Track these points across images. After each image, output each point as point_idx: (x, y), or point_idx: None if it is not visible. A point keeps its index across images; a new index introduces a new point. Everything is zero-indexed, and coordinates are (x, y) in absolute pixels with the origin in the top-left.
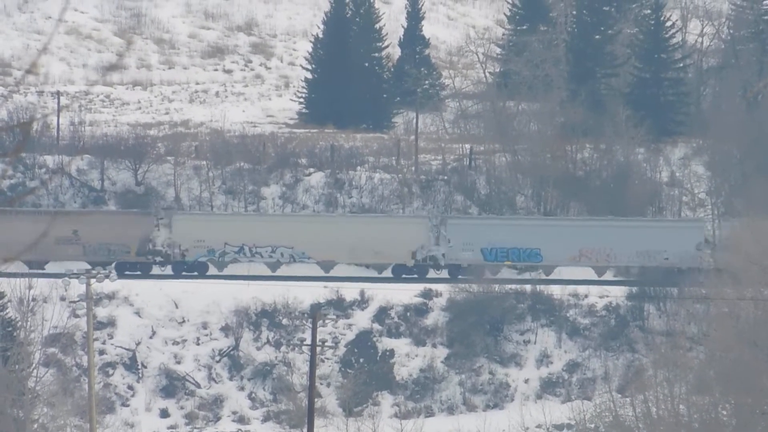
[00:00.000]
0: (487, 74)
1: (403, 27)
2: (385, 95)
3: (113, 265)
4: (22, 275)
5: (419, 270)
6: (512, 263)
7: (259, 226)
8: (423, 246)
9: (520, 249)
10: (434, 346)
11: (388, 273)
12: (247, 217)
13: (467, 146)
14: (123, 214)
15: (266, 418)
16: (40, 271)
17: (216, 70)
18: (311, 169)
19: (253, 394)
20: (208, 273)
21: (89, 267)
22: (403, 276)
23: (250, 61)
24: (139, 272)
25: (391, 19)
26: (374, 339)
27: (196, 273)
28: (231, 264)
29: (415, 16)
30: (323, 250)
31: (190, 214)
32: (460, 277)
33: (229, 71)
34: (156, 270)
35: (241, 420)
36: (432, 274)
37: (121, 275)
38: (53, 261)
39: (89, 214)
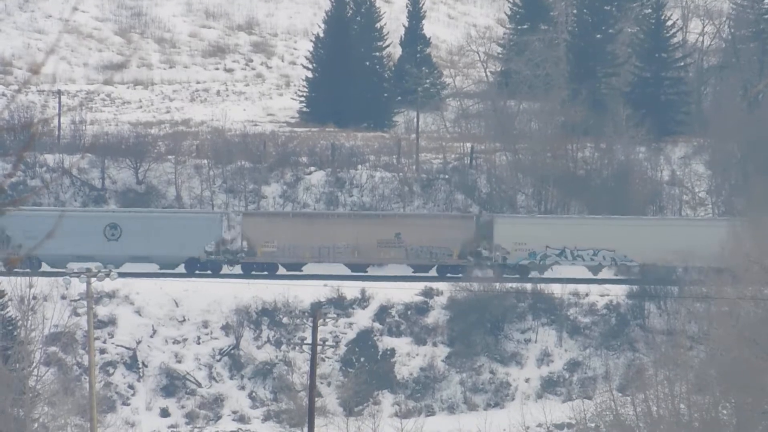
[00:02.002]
0: (488, 73)
1: (404, 26)
2: (385, 94)
3: (435, 267)
4: (23, 274)
5: None
6: None
7: (581, 229)
8: None
9: None
10: (435, 345)
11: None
12: (569, 220)
13: (468, 145)
14: (445, 217)
15: (266, 418)
16: (42, 270)
17: (217, 69)
18: (312, 168)
19: (254, 394)
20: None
21: (412, 270)
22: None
23: (251, 60)
24: (460, 275)
25: (392, 18)
26: (375, 338)
27: (518, 276)
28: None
29: (415, 15)
30: (647, 253)
31: (512, 217)
32: (460, 275)
33: (230, 70)
34: (477, 272)
35: (242, 419)
36: None
37: (442, 277)
38: (376, 264)
39: (412, 216)
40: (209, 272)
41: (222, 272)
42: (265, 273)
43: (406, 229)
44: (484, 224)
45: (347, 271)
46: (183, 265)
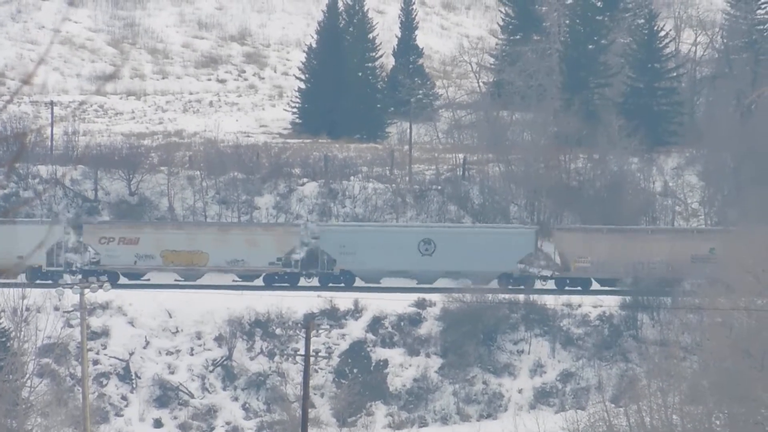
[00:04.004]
0: (481, 84)
1: (396, 37)
2: (378, 105)
3: None
4: (16, 285)
5: None
6: None
7: None
8: None
9: None
10: (428, 356)
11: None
12: None
13: (461, 156)
14: (763, 232)
15: (260, 429)
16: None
17: (209, 79)
18: (305, 179)
19: (247, 405)
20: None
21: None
22: None
23: (244, 71)
24: None
25: (385, 29)
26: (368, 349)
27: None
28: None
29: (408, 26)
30: None
31: None
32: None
33: (222, 81)
34: None
35: (235, 430)
36: None
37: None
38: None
39: (727, 232)
40: (522, 287)
41: (535, 287)
42: (579, 288)
43: (721, 244)
44: None
45: None
46: (496, 280)
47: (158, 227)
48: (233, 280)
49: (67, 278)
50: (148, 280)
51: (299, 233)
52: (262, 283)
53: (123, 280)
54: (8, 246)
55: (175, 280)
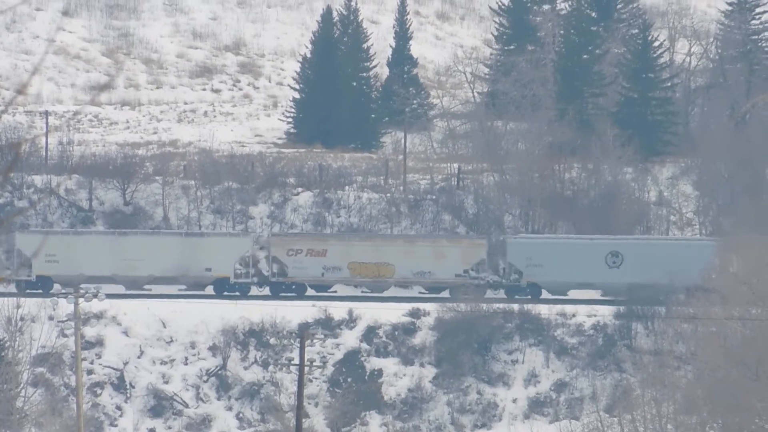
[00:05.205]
0: (475, 94)
1: (391, 47)
2: (373, 115)
3: None
4: (10, 295)
5: None
6: None
7: None
8: None
9: None
10: (422, 365)
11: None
12: None
13: (455, 166)
14: None
15: None
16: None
17: (204, 89)
18: (299, 189)
19: (241, 414)
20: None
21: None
22: None
23: (238, 81)
24: None
25: (379, 38)
26: (362, 358)
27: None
28: None
29: (402, 35)
30: None
31: None
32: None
33: (217, 91)
34: None
35: None
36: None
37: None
38: None
39: None
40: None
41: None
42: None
43: None
44: None
45: None
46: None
47: (345, 239)
48: (420, 292)
49: (255, 290)
50: (335, 292)
51: (485, 246)
52: (448, 296)
53: (310, 291)
54: (196, 258)
55: (362, 292)
